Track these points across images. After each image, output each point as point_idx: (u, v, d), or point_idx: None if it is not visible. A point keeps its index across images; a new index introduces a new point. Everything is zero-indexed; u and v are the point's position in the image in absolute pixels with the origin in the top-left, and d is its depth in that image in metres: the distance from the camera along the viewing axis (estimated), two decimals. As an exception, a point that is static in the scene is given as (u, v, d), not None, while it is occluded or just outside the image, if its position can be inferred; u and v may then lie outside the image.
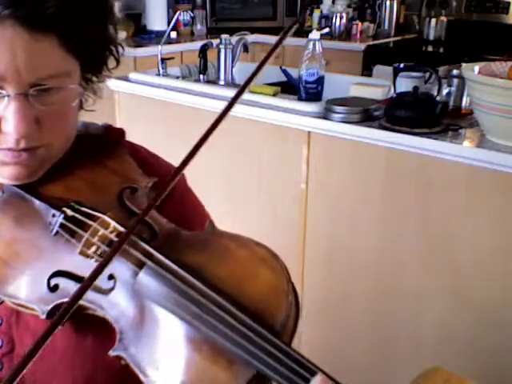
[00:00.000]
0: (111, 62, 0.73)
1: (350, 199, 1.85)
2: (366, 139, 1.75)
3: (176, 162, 0.82)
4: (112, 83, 2.32)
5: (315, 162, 1.89)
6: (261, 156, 2.04)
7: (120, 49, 0.72)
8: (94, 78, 0.72)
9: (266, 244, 0.62)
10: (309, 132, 1.87)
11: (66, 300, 0.61)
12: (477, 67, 1.64)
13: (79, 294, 0.56)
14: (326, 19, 4.14)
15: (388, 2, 3.97)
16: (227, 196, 2.15)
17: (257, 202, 2.09)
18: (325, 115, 1.85)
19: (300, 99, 2.00)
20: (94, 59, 0.69)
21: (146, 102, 2.35)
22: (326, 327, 2.03)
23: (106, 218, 0.64)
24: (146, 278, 0.59)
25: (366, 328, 1.92)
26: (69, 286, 0.62)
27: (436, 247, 1.70)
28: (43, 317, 0.62)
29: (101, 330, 0.67)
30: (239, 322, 0.54)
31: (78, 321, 0.64)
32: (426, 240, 1.71)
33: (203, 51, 2.38)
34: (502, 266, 1.59)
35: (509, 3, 3.74)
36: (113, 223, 0.64)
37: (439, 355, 1.74)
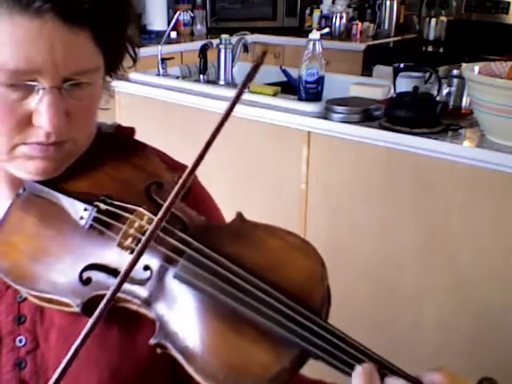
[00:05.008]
0: (127, 62, 0.73)
1: (350, 199, 1.85)
2: (366, 139, 1.75)
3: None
4: (112, 83, 2.32)
5: (315, 162, 1.89)
6: (261, 156, 2.04)
7: (137, 49, 0.73)
8: (108, 78, 0.73)
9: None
10: (309, 132, 1.87)
11: (100, 292, 0.61)
12: (477, 67, 1.64)
13: (118, 285, 0.56)
14: (326, 19, 4.14)
15: (388, 2, 3.97)
16: (227, 196, 2.15)
17: (257, 202, 2.09)
18: (325, 115, 1.85)
19: (300, 99, 2.00)
20: (116, 57, 0.71)
21: (146, 102, 2.35)
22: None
23: (141, 209, 0.64)
24: (186, 266, 0.59)
25: (365, 327, 1.92)
26: (102, 279, 0.62)
27: (435, 247, 1.70)
28: (77, 309, 0.62)
29: (127, 322, 0.67)
30: (283, 304, 0.56)
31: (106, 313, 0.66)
32: (426, 240, 1.71)
33: (203, 51, 2.37)
34: (501, 265, 1.59)
35: (509, 3, 3.73)
36: (148, 215, 0.64)
37: (439, 355, 1.74)
